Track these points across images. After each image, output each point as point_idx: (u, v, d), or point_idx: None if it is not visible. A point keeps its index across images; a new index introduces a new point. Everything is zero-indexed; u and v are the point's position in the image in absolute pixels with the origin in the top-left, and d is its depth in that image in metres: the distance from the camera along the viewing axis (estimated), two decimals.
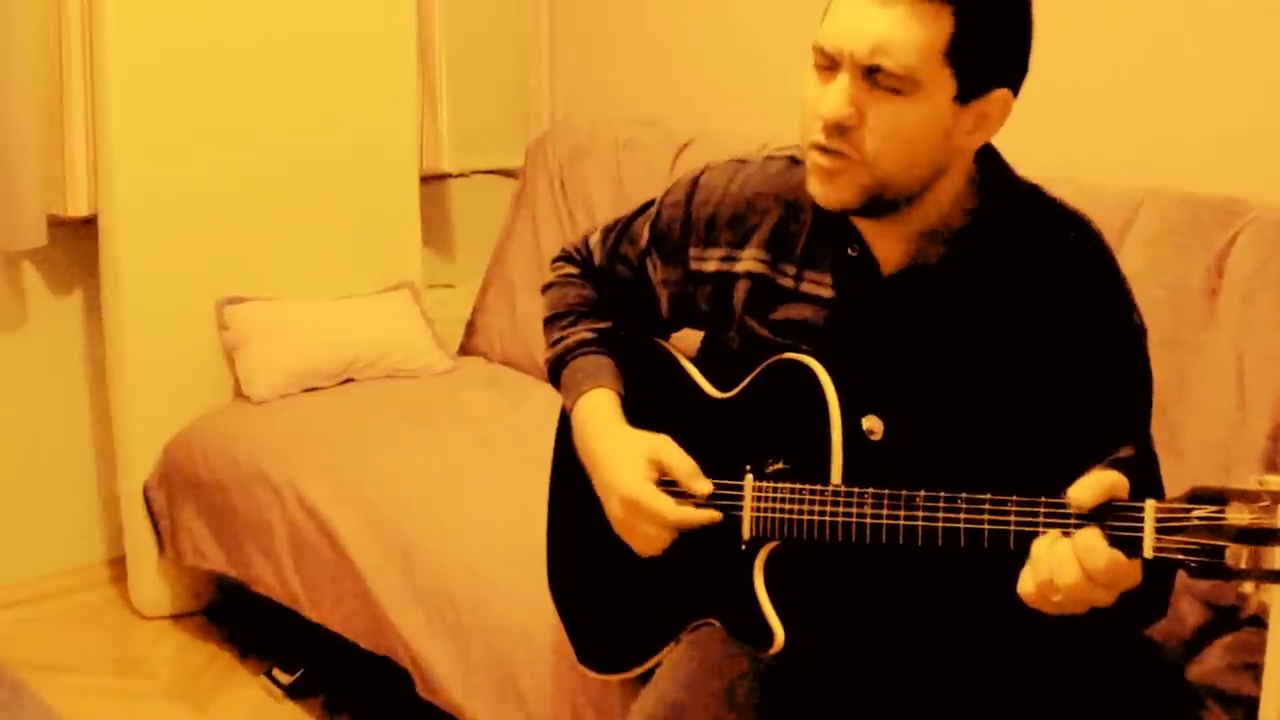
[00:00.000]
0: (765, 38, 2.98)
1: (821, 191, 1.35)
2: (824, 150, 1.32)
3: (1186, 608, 1.80)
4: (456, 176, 3.43)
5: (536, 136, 3.29)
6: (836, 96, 1.29)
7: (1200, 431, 1.96)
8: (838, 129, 1.30)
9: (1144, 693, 1.52)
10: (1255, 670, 1.63)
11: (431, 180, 3.36)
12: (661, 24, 3.21)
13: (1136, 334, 1.39)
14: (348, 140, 3.04)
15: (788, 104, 2.88)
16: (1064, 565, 1.16)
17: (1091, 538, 1.16)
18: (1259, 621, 1.75)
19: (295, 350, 2.89)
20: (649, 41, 3.25)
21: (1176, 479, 1.94)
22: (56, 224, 2.77)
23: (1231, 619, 1.81)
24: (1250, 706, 1.60)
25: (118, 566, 3.00)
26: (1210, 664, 1.74)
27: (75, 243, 2.85)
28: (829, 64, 1.31)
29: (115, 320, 2.79)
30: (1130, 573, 1.16)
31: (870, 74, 1.28)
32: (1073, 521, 1.18)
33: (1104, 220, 1.97)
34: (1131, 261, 1.49)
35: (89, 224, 2.79)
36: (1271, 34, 2.15)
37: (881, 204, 1.34)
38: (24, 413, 2.90)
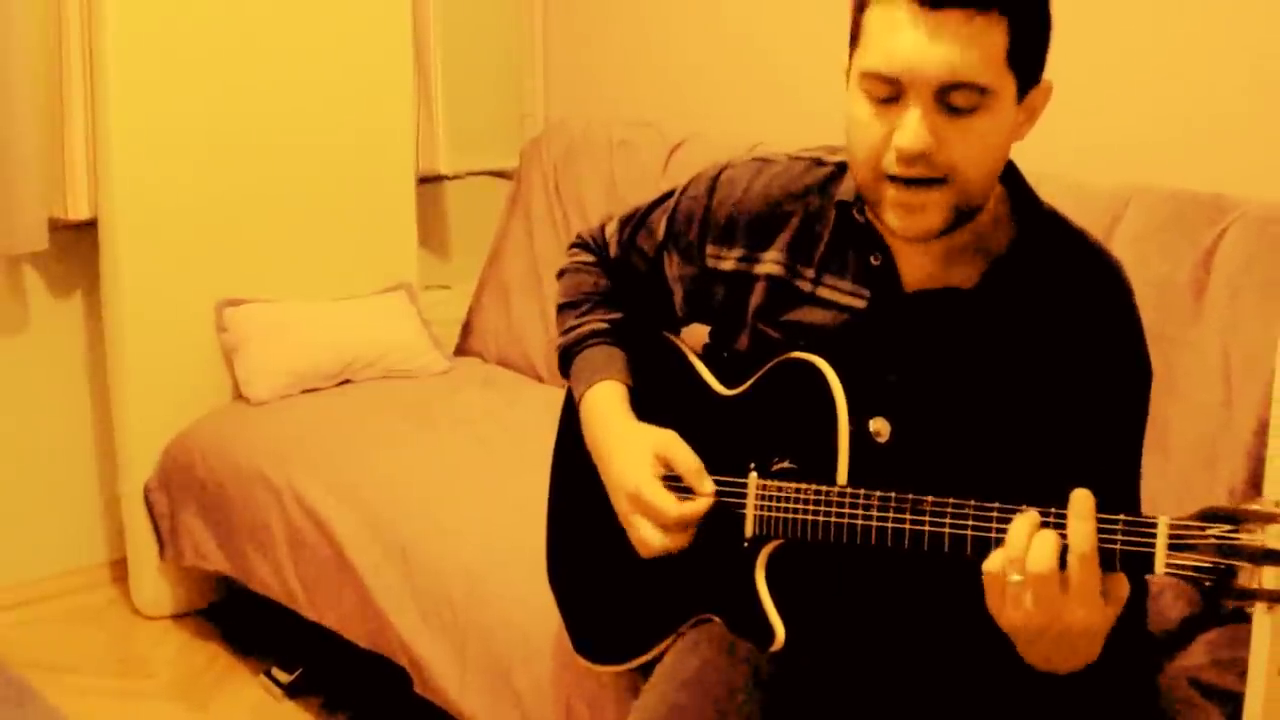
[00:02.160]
0: (757, 39, 2.99)
1: (908, 224, 1.29)
2: (902, 182, 1.28)
3: (1171, 602, 1.80)
4: (452, 178, 3.44)
5: (531, 138, 3.30)
6: (914, 127, 1.24)
7: (1187, 427, 1.96)
8: (921, 158, 1.26)
9: (1131, 688, 1.53)
10: (1239, 665, 1.64)
11: (427, 182, 3.37)
12: (654, 25, 3.22)
13: (1145, 379, 1.39)
14: (345, 142, 3.05)
15: (779, 104, 2.92)
16: (1042, 551, 1.15)
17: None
18: (1242, 616, 1.76)
19: (293, 351, 2.90)
20: (642, 43, 3.26)
21: (1164, 475, 1.96)
22: (57, 227, 2.78)
23: (1215, 614, 1.82)
24: (1234, 701, 1.61)
25: (119, 567, 3.02)
26: (1194, 659, 1.75)
27: (75, 245, 2.87)
28: (890, 93, 1.26)
29: (115, 322, 2.80)
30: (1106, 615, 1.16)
31: (942, 95, 1.24)
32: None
33: (1092, 216, 1.98)
34: (1119, 257, 1.50)
35: (89, 227, 2.80)
36: (1260, 31, 2.16)
37: (963, 218, 1.31)
38: (25, 415, 2.91)
